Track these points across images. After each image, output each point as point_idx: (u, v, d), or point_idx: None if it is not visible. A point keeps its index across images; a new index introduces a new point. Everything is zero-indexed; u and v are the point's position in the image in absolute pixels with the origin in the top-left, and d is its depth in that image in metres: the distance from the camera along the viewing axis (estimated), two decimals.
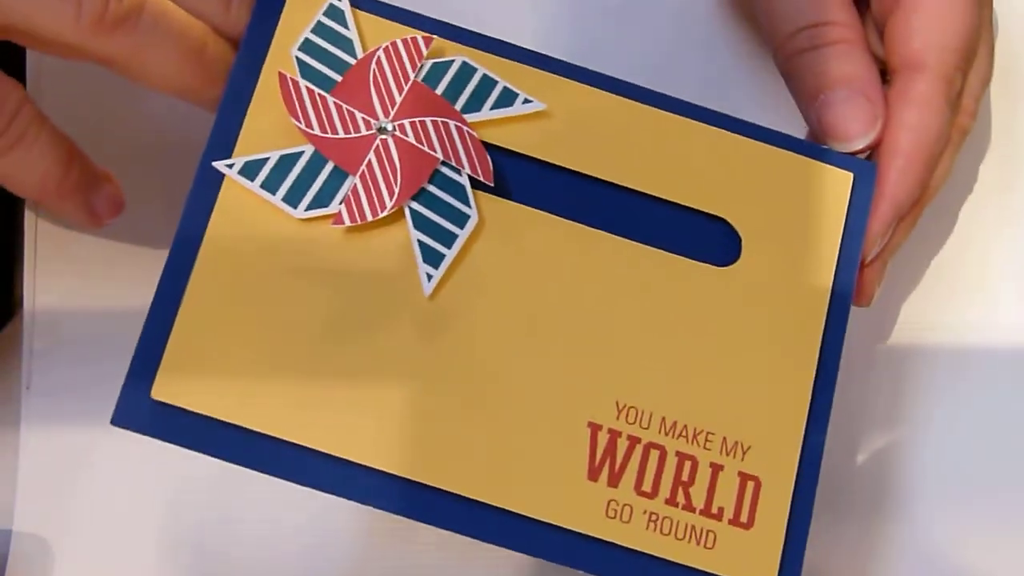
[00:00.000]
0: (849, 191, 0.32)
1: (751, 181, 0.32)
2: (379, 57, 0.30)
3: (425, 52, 0.31)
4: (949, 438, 0.38)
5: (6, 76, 0.30)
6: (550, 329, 0.30)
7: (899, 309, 0.39)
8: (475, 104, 0.31)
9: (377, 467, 0.28)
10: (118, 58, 0.30)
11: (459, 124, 0.30)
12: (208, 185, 0.29)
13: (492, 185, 0.30)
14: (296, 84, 0.30)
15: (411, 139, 0.30)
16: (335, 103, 0.30)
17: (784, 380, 0.30)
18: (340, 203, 0.29)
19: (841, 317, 0.31)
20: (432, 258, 0.29)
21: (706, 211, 0.31)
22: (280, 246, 0.29)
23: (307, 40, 0.31)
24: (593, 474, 0.29)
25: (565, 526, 0.29)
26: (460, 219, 0.30)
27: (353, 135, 0.30)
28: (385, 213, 0.29)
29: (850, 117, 0.33)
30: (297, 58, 0.30)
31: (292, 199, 0.29)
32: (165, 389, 0.28)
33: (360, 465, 0.29)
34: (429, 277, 0.29)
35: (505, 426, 0.29)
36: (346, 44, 0.31)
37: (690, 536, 0.29)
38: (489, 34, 0.31)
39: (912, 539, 0.36)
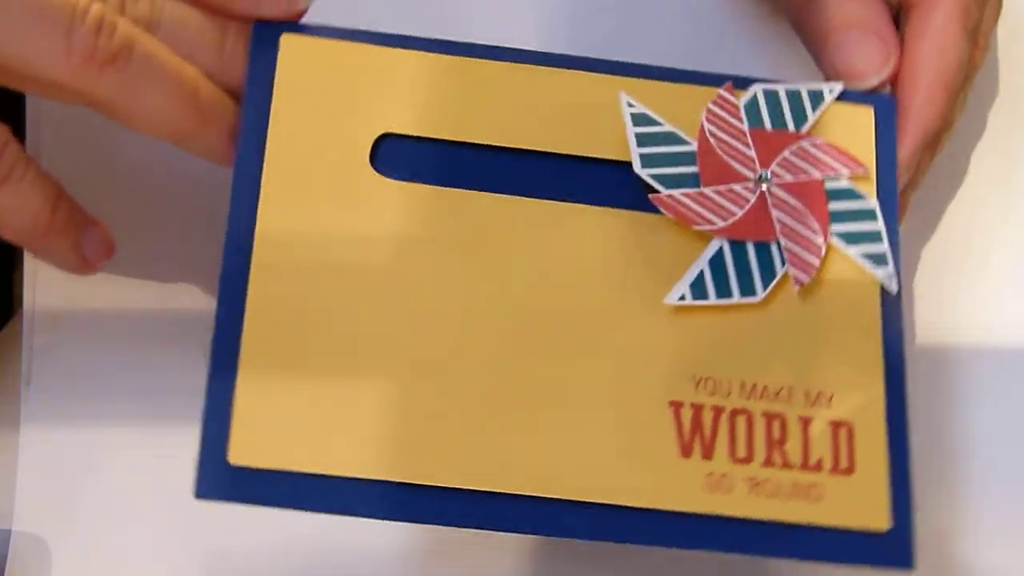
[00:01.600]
0: (873, 124, 0.32)
1: None
2: (709, 130, 0.31)
3: (735, 101, 0.31)
4: (949, 438, 0.37)
5: None
6: (616, 315, 0.30)
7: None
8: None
9: (492, 488, 0.28)
10: (109, 98, 0.29)
11: (811, 140, 0.31)
12: (238, 256, 0.29)
13: (863, 174, 0.31)
14: (672, 198, 0.30)
15: (788, 178, 0.30)
16: (714, 191, 0.30)
17: (848, 320, 0.30)
18: (783, 267, 0.30)
19: (892, 242, 0.31)
20: (698, 290, 0.30)
21: None
22: (332, 296, 0.29)
23: (642, 155, 0.31)
24: (685, 451, 0.29)
25: (668, 508, 0.28)
26: (747, 288, 0.30)
27: (747, 206, 0.30)
28: (824, 251, 0.30)
29: (863, 57, 0.33)
30: (650, 176, 0.30)
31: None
32: (242, 453, 0.28)
33: (469, 490, 0.28)
34: (682, 297, 0.30)
35: (588, 420, 0.29)
36: (672, 138, 0.31)
37: (794, 494, 0.29)
38: (490, 33, 0.31)
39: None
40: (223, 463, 0.27)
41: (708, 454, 0.29)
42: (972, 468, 0.36)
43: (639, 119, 0.31)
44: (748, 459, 0.29)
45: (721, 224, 0.30)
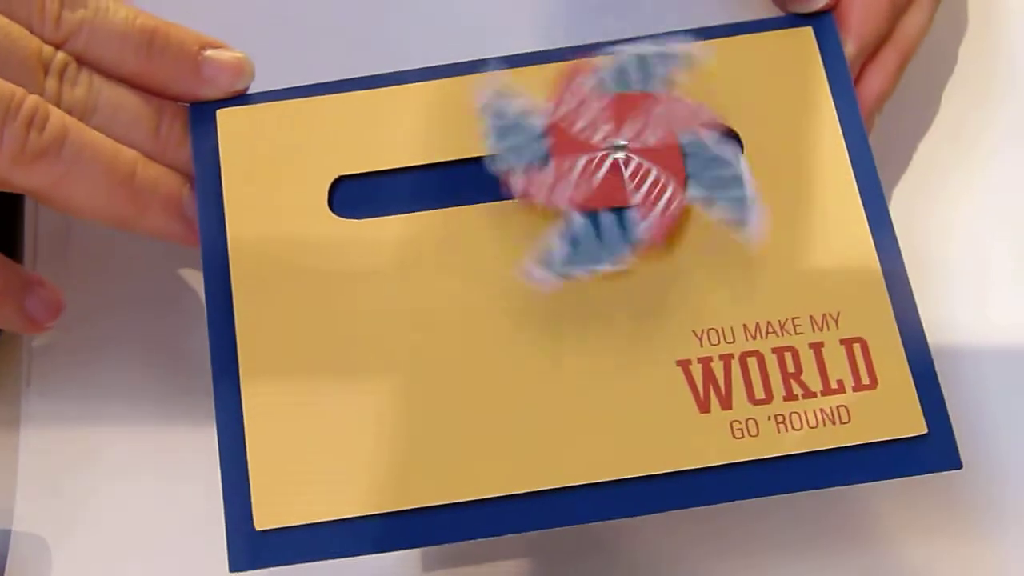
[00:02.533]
0: (815, 43, 0.31)
1: (718, 78, 0.31)
2: (666, 100, 0.30)
3: (598, 67, 0.30)
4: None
5: None
6: (607, 291, 0.29)
7: None
8: (709, 190, 0.30)
9: (517, 491, 0.28)
10: (40, 190, 0.30)
11: (678, 197, 0.29)
12: (227, 348, 0.29)
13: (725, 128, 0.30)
14: (519, 177, 0.30)
15: (646, 140, 0.30)
16: (565, 165, 0.30)
17: (838, 237, 0.30)
18: (641, 230, 0.29)
19: (865, 160, 0.30)
20: (549, 263, 0.29)
21: None
22: (321, 340, 0.29)
23: (498, 154, 0.30)
24: (703, 407, 0.28)
25: (698, 466, 0.28)
26: (600, 258, 0.29)
27: (599, 175, 0.29)
28: (679, 213, 0.29)
29: None
30: (508, 168, 0.30)
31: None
32: (267, 517, 0.28)
33: (495, 498, 0.28)
34: (533, 274, 0.29)
35: (599, 401, 0.28)
36: (523, 121, 0.30)
37: (823, 420, 0.28)
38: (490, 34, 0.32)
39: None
40: (251, 531, 0.27)
41: (727, 404, 0.28)
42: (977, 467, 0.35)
43: (491, 112, 0.30)
44: (768, 399, 0.28)
45: (570, 193, 0.29)
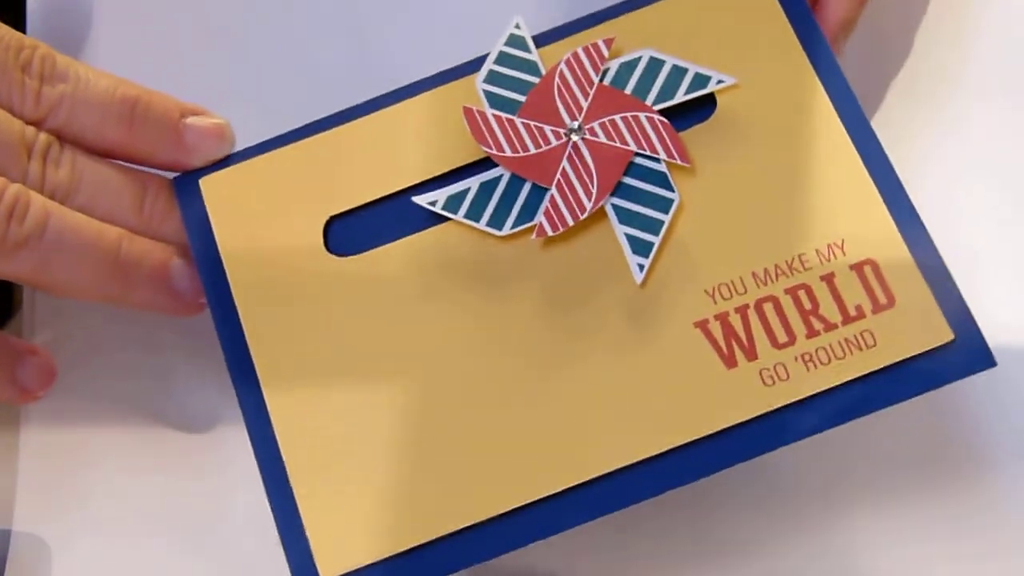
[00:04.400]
0: None
1: (677, 37, 0.31)
2: (561, 70, 0.31)
3: (607, 54, 0.31)
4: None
5: None
6: (612, 269, 0.29)
7: None
8: (668, 93, 0.30)
9: (568, 485, 0.28)
10: (24, 276, 0.30)
11: (649, 115, 0.30)
12: (256, 407, 0.30)
13: (688, 166, 0.30)
14: (482, 115, 0.30)
15: (601, 138, 0.30)
16: (523, 123, 0.30)
17: (826, 165, 0.30)
18: (541, 216, 0.30)
19: (840, 87, 0.30)
20: (641, 248, 0.29)
21: None
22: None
23: (491, 71, 0.31)
24: (729, 361, 0.28)
25: (737, 422, 0.28)
26: (664, 205, 0.30)
27: (544, 148, 0.30)
28: (585, 215, 0.29)
29: None
30: (484, 91, 0.31)
31: (495, 223, 0.30)
32: (331, 565, 0.28)
33: (543, 499, 0.28)
34: (641, 267, 0.29)
35: (630, 379, 0.28)
36: (530, 66, 0.31)
37: (850, 348, 0.28)
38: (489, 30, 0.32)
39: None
40: None
41: (752, 354, 0.28)
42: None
43: (514, 41, 0.31)
44: (791, 340, 0.28)
45: (508, 154, 0.30)
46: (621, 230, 0.29)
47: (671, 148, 0.30)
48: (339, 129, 0.32)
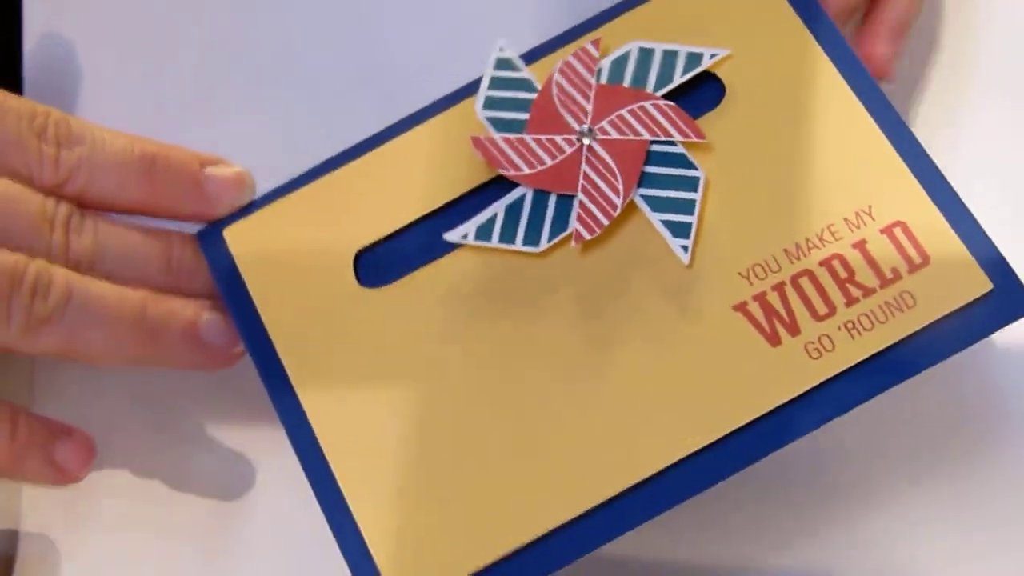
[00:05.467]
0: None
1: (682, 27, 0.31)
2: (557, 80, 0.31)
3: (597, 55, 0.31)
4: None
5: None
6: (647, 264, 0.30)
7: None
8: (665, 79, 0.31)
9: (626, 486, 0.28)
10: (52, 350, 0.30)
11: (654, 102, 0.30)
12: (291, 410, 0.30)
13: (705, 140, 0.30)
14: (491, 140, 0.30)
15: (614, 135, 0.30)
16: (533, 138, 0.31)
17: (845, 136, 0.30)
18: (575, 223, 0.30)
19: (847, 59, 0.30)
20: (681, 230, 0.29)
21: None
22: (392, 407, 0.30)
23: (488, 98, 0.31)
24: (774, 340, 0.28)
25: (789, 399, 0.28)
26: (690, 184, 0.30)
27: (560, 157, 0.30)
28: (618, 212, 0.30)
29: None
30: (486, 118, 0.31)
31: (531, 240, 0.30)
32: None
33: (615, 497, 0.28)
34: (685, 249, 0.29)
35: (680, 372, 0.28)
36: (525, 84, 0.31)
37: (892, 312, 0.28)
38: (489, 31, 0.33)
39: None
40: None
41: (795, 329, 0.28)
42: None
43: (502, 64, 0.31)
44: (832, 311, 0.28)
45: (527, 171, 0.30)
46: (656, 217, 0.30)
47: (684, 128, 0.30)
48: (352, 165, 0.32)
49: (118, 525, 0.34)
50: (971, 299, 0.28)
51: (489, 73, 0.31)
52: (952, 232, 0.28)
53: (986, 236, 0.28)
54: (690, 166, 0.30)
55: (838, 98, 0.30)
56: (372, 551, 0.28)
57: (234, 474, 0.34)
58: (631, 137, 0.30)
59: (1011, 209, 0.36)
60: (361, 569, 0.28)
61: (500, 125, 0.31)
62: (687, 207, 0.29)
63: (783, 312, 0.28)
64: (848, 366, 0.28)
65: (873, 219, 0.29)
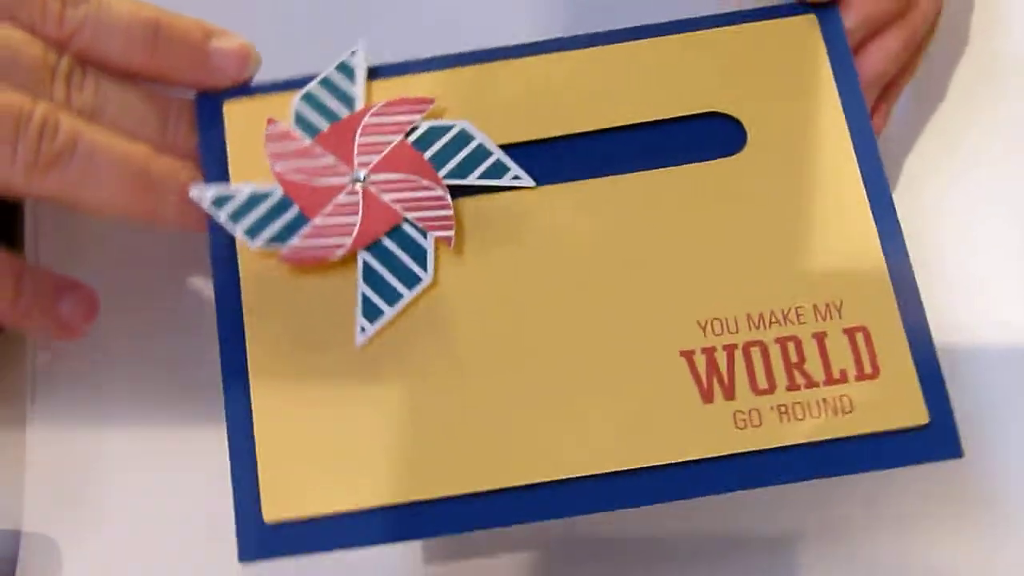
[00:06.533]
0: (819, 31, 0.31)
1: (721, 67, 0.31)
2: (375, 110, 0.31)
3: (420, 119, 0.31)
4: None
5: None
6: (610, 284, 0.29)
7: None
8: (464, 171, 0.30)
9: (520, 483, 0.28)
10: (57, 194, 0.30)
11: (434, 186, 0.30)
12: (234, 338, 0.30)
13: (451, 248, 0.30)
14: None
15: (378, 193, 0.30)
16: (321, 219, 0.30)
17: (841, 226, 0.30)
18: (427, 238, 0.30)
19: (868, 147, 0.30)
20: (371, 312, 0.29)
21: (693, 113, 0.31)
22: (327, 335, 0.29)
23: (309, 93, 0.31)
24: (707, 397, 0.28)
25: (702, 457, 0.28)
26: (411, 279, 0.30)
27: (323, 183, 0.30)
28: (331, 260, 0.29)
29: None
30: (296, 109, 0.31)
31: (252, 233, 0.29)
32: (275, 510, 0.28)
33: (497, 490, 0.28)
34: (363, 330, 0.29)
35: (603, 392, 0.28)
36: (347, 99, 0.31)
37: (825, 410, 0.28)
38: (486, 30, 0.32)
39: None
40: (260, 523, 0.28)
41: (730, 394, 0.28)
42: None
43: (343, 68, 0.31)
44: (771, 389, 0.28)
45: (349, 240, 0.30)
46: (361, 287, 0.29)
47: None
48: (385, 82, 0.31)
49: (118, 525, 0.34)
50: (904, 426, 0.28)
51: (327, 71, 0.31)
52: (910, 356, 0.29)
53: (940, 372, 0.28)
54: (424, 265, 0.30)
55: (847, 181, 0.30)
56: (259, 465, 0.28)
57: None
58: (390, 204, 0.30)
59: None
60: (244, 482, 0.28)
61: (302, 123, 0.30)
62: (393, 297, 0.29)
63: (725, 374, 0.29)
64: (767, 447, 0.28)
65: (840, 316, 0.29)
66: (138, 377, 0.35)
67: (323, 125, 0.30)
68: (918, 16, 0.35)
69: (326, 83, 0.31)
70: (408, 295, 0.29)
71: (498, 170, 0.30)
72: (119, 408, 0.35)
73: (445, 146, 0.30)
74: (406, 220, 0.30)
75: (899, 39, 0.34)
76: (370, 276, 0.30)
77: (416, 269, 0.30)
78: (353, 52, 0.31)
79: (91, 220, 0.37)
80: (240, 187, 0.30)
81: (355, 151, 0.30)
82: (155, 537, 0.34)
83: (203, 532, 0.33)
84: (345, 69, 0.31)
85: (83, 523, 0.34)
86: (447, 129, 0.31)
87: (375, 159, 0.30)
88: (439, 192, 0.30)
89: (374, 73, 0.31)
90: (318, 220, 0.30)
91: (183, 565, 0.34)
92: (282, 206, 0.30)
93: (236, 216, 0.30)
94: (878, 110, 0.36)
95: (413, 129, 0.31)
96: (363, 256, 0.30)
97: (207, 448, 0.33)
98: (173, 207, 0.31)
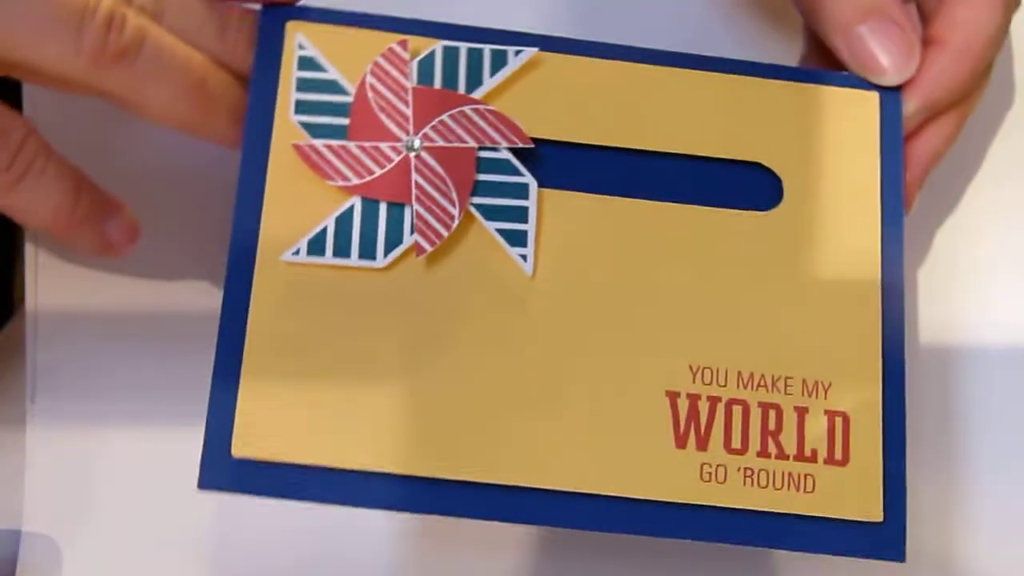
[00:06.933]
0: (878, 111, 0.32)
1: (777, 120, 0.31)
2: (370, 83, 0.30)
3: (407, 56, 0.30)
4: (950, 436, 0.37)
5: (10, 109, 0.30)
6: (612, 308, 0.30)
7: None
8: (475, 79, 0.30)
9: (467, 478, 0.28)
10: (118, 91, 0.30)
11: (474, 107, 0.30)
12: (242, 272, 0.29)
13: (532, 147, 0.30)
14: (314, 147, 0.30)
15: (441, 143, 0.30)
16: (358, 146, 0.30)
17: (849, 310, 0.30)
18: (412, 234, 0.29)
19: (895, 236, 0.31)
20: (517, 239, 0.29)
21: (739, 159, 0.31)
22: (339, 298, 0.29)
23: (299, 101, 0.30)
24: (680, 442, 0.29)
25: (662, 499, 0.29)
26: (521, 191, 0.30)
27: (388, 167, 0.30)
28: (456, 222, 0.29)
29: (886, 49, 0.32)
30: (301, 123, 0.30)
31: (367, 253, 0.29)
32: (243, 446, 0.28)
33: (440, 480, 0.28)
34: (524, 257, 0.29)
35: (586, 411, 0.29)
36: (333, 86, 0.30)
37: (788, 484, 0.29)
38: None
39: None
40: (226, 455, 0.28)
41: (703, 445, 0.29)
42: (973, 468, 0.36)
43: (305, 63, 0.31)
44: (743, 450, 0.29)
45: (356, 181, 0.30)
46: (492, 226, 0.30)
47: (508, 134, 0.30)
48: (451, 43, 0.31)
49: (118, 525, 0.34)
50: (858, 519, 0.29)
51: (295, 73, 0.30)
52: (880, 454, 0.29)
53: (904, 475, 0.29)
54: (517, 172, 0.30)
55: (866, 267, 0.30)
56: (240, 397, 0.28)
57: None
58: (457, 144, 0.30)
59: None
60: (221, 410, 0.28)
61: (317, 131, 0.30)
62: (520, 215, 0.30)
63: (703, 424, 0.29)
64: (725, 505, 0.29)
65: (826, 397, 0.30)
66: (138, 377, 0.35)
67: (335, 120, 0.30)
68: (976, 98, 0.35)
69: (303, 83, 0.30)
70: (531, 203, 0.30)
71: (500, 58, 0.30)
72: (119, 408, 0.35)
73: (443, 70, 0.30)
74: (479, 148, 0.30)
75: (957, 123, 0.34)
76: (343, 220, 0.29)
77: (516, 179, 0.30)
78: (300, 44, 0.31)
79: None
80: (324, 221, 0.29)
81: (386, 123, 0.30)
82: (155, 537, 0.34)
83: (203, 532, 0.34)
84: (305, 62, 0.30)
85: (83, 523, 0.35)
86: (432, 56, 0.31)
87: (409, 120, 0.30)
88: (453, 210, 0.30)
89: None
90: (352, 145, 0.30)
91: (183, 565, 0.34)
92: (370, 211, 0.30)
93: (341, 249, 0.29)
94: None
95: (493, 149, 0.30)
96: (354, 200, 0.30)
97: None
98: (223, 123, 0.31)
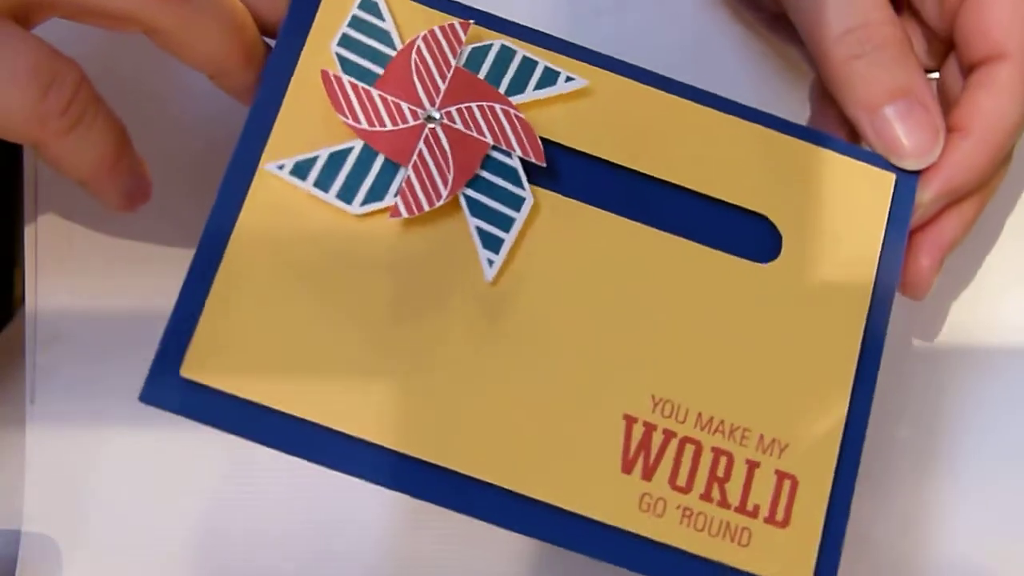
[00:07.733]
0: (891, 192, 0.32)
1: (792, 179, 0.31)
2: (419, 46, 0.30)
3: (464, 38, 0.30)
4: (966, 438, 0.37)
5: (63, 55, 0.29)
6: (588, 321, 0.29)
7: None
8: (518, 86, 0.30)
9: (410, 453, 0.28)
10: (168, 29, 0.30)
11: (505, 107, 0.30)
12: (239, 179, 0.29)
13: (544, 166, 0.30)
14: (340, 80, 0.30)
15: (459, 126, 0.30)
16: (380, 96, 0.30)
17: (823, 378, 0.30)
18: (395, 195, 0.29)
19: (882, 316, 0.31)
20: (492, 244, 0.29)
21: (747, 207, 0.31)
22: (320, 235, 0.29)
23: (344, 35, 0.30)
24: (627, 467, 0.29)
25: (597, 518, 0.28)
26: (516, 202, 0.30)
27: (402, 126, 0.30)
28: (441, 202, 0.29)
29: (912, 133, 0.32)
30: (337, 54, 0.30)
31: (346, 195, 0.29)
32: (194, 368, 0.28)
33: (388, 449, 0.28)
34: (491, 263, 0.29)
35: (541, 416, 0.29)
36: (384, 36, 0.30)
37: (724, 533, 0.29)
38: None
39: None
40: (175, 374, 0.28)
41: (648, 475, 0.29)
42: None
43: (367, 6, 0.30)
44: (687, 489, 0.29)
45: (364, 126, 0.29)
46: (473, 223, 0.29)
47: (527, 145, 0.30)
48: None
49: (118, 525, 0.34)
50: None
51: (352, 10, 0.30)
52: (821, 526, 0.29)
53: (840, 550, 0.29)
54: (521, 185, 0.30)
55: (845, 341, 0.30)
56: (204, 315, 0.28)
57: (235, 474, 0.34)
58: (473, 134, 0.30)
59: None
60: (181, 325, 0.28)
61: (350, 68, 0.30)
62: (505, 223, 0.29)
63: (653, 455, 0.29)
64: (656, 539, 0.28)
65: (779, 457, 0.29)
66: (138, 377, 0.35)
67: (371, 66, 0.30)
68: (996, 184, 0.35)
69: (356, 22, 0.30)
70: (519, 217, 0.29)
71: (550, 77, 0.30)
72: (119, 408, 0.35)
73: (493, 65, 0.30)
74: (493, 147, 0.30)
75: (976, 209, 0.34)
76: (477, 209, 0.29)
77: (516, 191, 0.30)
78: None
79: (91, 215, 0.37)
80: (318, 151, 0.29)
81: (417, 88, 0.30)
82: (155, 537, 0.34)
83: (203, 532, 0.34)
84: (368, 5, 0.30)
85: (83, 523, 0.35)
86: (488, 48, 0.31)
87: (440, 93, 0.30)
88: (510, 111, 0.30)
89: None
90: (375, 92, 0.30)
91: (183, 565, 0.34)
92: (366, 158, 0.29)
93: (323, 182, 0.29)
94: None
95: (460, 55, 0.30)
96: (464, 192, 0.29)
97: (208, 448, 0.33)
98: (250, 75, 0.31)
